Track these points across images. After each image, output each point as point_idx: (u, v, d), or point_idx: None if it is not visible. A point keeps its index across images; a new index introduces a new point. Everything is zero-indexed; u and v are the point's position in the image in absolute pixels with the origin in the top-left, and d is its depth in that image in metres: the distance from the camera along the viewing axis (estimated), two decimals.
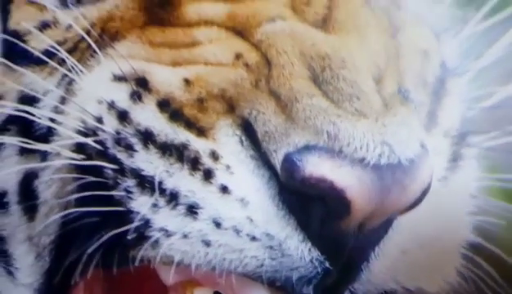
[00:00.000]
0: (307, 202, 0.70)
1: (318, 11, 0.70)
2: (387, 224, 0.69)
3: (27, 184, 0.99)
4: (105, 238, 0.86)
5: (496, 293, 0.68)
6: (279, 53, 0.71)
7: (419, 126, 0.66)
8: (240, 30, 0.74)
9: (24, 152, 0.99)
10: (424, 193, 0.67)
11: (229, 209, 0.76)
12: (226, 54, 0.75)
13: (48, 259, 0.99)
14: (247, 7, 0.73)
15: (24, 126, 0.99)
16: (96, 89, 0.88)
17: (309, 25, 0.70)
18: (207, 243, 0.79)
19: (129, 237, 0.85)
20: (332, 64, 0.68)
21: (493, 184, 0.67)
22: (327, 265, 0.71)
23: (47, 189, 0.97)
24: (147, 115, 0.82)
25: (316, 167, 0.68)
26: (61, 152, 0.93)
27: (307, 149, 0.69)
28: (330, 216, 0.69)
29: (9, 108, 1.01)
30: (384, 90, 0.66)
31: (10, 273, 1.05)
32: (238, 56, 0.74)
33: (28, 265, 1.02)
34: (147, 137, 0.83)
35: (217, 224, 0.78)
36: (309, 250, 0.72)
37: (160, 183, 0.81)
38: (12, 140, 1.00)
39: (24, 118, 0.98)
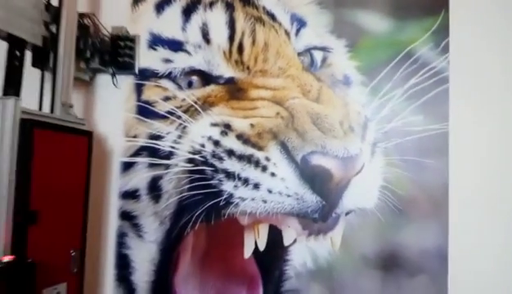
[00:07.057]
0: (314, 176, 1.60)
1: (314, 95, 1.65)
2: (348, 183, 1.60)
3: (154, 183, 1.79)
4: (206, 205, 1.69)
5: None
6: (297, 112, 1.62)
7: (358, 141, 1.60)
8: (278, 101, 1.66)
9: (152, 165, 1.80)
10: (362, 168, 1.60)
11: (275, 183, 1.63)
12: (271, 112, 1.65)
13: (169, 223, 1.78)
14: (281, 93, 1.66)
15: (152, 151, 1.80)
16: (200, 130, 1.72)
17: (310, 101, 1.61)
18: (264, 201, 1.65)
19: (221, 203, 1.69)
20: (321, 117, 1.60)
21: (389, 160, 1.64)
22: (324, 203, 1.61)
23: (168, 184, 1.77)
24: (230, 142, 1.68)
25: (317, 160, 1.58)
26: (178, 164, 1.75)
27: (312, 152, 1.59)
28: (324, 181, 1.59)
29: (142, 142, 1.82)
30: (343, 127, 1.60)
31: (140, 236, 1.82)
32: (278, 113, 1.65)
33: (153, 229, 1.80)
34: (230, 153, 1.68)
35: (270, 191, 1.64)
36: (315, 198, 1.61)
37: (238, 174, 1.66)
38: (144, 160, 1.80)
39: (152, 147, 1.80)
